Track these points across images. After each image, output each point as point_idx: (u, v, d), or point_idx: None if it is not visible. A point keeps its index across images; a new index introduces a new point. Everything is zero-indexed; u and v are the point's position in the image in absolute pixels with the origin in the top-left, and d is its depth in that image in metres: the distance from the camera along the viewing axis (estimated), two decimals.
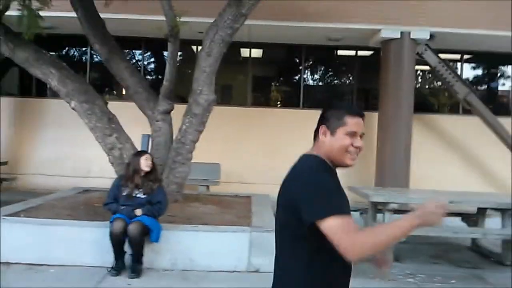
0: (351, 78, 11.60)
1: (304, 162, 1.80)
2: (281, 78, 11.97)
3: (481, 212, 6.60)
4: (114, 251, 4.78)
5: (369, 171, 9.59)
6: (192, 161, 9.42)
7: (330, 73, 11.96)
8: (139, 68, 10.83)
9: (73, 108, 6.33)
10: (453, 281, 5.04)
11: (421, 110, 11.07)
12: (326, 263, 1.69)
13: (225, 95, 11.99)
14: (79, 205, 6.18)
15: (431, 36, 9.27)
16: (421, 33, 9.17)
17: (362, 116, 1.81)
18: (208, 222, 5.48)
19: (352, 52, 10.99)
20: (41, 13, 5.73)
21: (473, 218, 6.70)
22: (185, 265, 4.95)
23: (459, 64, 11.15)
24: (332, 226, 1.58)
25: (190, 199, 6.80)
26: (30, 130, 10.81)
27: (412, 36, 9.18)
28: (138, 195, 4.94)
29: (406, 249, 6.02)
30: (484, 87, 11.91)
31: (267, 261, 5.04)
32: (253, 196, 7.75)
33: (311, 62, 11.48)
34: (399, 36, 9.17)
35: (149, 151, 6.22)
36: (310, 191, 1.67)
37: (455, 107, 10.86)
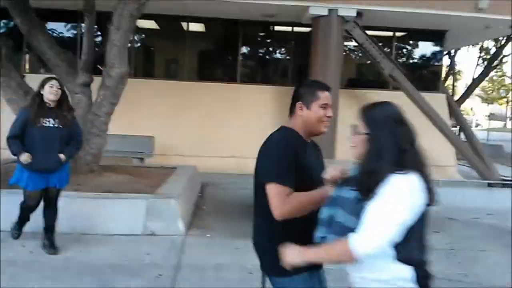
0: (287, 53, 11.91)
1: (277, 133, 2.13)
2: (219, 53, 12.15)
3: None
4: (21, 221, 4.70)
5: None
6: (127, 133, 9.72)
7: (267, 49, 12.21)
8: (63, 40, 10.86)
9: None
10: None
11: (352, 85, 11.53)
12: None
13: (164, 69, 12.20)
14: None
15: (359, 13, 9.63)
16: (348, 11, 9.53)
17: (329, 90, 2.14)
18: (112, 191, 5.78)
19: (289, 28, 11.25)
20: None
21: None
22: (84, 230, 5.25)
23: (393, 41, 11.59)
24: (269, 191, 1.97)
25: (107, 170, 7.05)
26: None
27: (339, 14, 9.52)
28: (55, 125, 4.31)
29: None
30: (416, 63, 12.37)
31: (163, 226, 5.47)
32: (178, 168, 8.04)
33: (248, 38, 11.68)
34: (327, 13, 9.50)
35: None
36: (266, 157, 2.04)
37: (385, 83, 11.28)
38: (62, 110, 4.39)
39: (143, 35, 12.04)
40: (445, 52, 15.32)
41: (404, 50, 12.17)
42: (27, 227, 4.83)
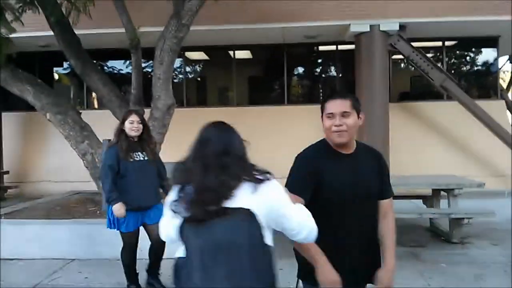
0: (333, 71, 11.93)
1: (309, 146, 2.28)
2: (266, 77, 12.35)
3: (435, 193, 6.86)
4: (129, 273, 4.39)
5: None
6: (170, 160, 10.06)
7: (312, 69, 12.29)
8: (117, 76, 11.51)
9: (48, 120, 7.02)
10: None
11: (405, 98, 11.31)
12: (324, 225, 1.97)
13: (215, 97, 12.59)
14: (56, 207, 6.87)
15: (402, 26, 9.50)
16: (390, 25, 9.43)
17: (338, 97, 2.11)
18: None
19: (333, 47, 11.29)
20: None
21: (429, 200, 6.97)
22: (138, 255, 5.50)
23: (443, 51, 11.28)
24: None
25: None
26: (35, 142, 11.68)
27: (381, 29, 9.45)
28: (145, 159, 4.16)
29: None
30: (470, 71, 11.92)
31: None
32: None
33: (293, 60, 11.83)
34: (368, 29, 9.46)
35: None
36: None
37: (440, 94, 10.95)
38: (147, 143, 4.22)
39: (194, 66, 12.53)
40: (506, 58, 14.66)
41: (456, 59, 11.78)
42: None
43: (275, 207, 1.71)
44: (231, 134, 1.86)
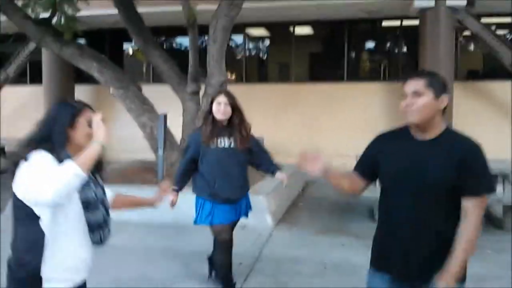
0: (396, 48, 11.55)
1: None
2: (326, 53, 12.20)
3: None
4: (225, 277, 3.84)
5: None
6: None
7: (374, 45, 11.97)
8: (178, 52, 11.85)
9: (112, 94, 7.50)
10: None
11: (473, 77, 10.77)
12: (382, 206, 2.24)
13: (274, 73, 12.67)
14: (117, 173, 7.41)
15: (470, 2, 8.97)
16: (457, 0, 8.94)
17: (413, 77, 2.04)
18: None
19: (396, 23, 10.92)
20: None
21: None
22: (184, 222, 5.86)
23: None
24: None
25: None
26: (105, 112, 12.35)
27: (448, 4, 8.97)
28: (231, 146, 3.63)
29: None
30: None
31: (254, 220, 5.82)
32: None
33: (354, 35, 11.58)
34: (433, 4, 9.03)
35: (165, 130, 7.04)
36: None
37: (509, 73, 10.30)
38: (238, 129, 3.61)
39: (255, 43, 12.66)
40: None
41: None
42: None
43: (21, 187, 1.76)
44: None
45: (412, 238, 2.05)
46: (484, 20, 9.40)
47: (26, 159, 1.76)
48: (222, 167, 3.58)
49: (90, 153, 1.75)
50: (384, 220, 2.18)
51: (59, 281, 1.82)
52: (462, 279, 2.04)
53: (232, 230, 3.79)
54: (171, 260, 4.66)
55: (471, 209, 1.96)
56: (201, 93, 7.50)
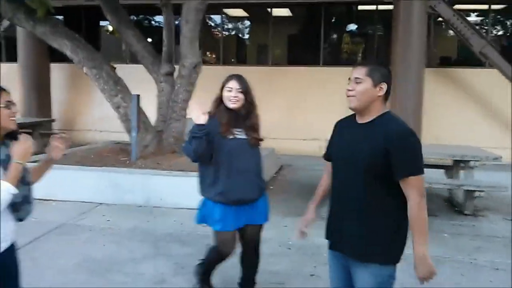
0: (371, 33, 11.69)
1: None
2: (304, 36, 12.26)
3: (456, 164, 6.82)
4: (206, 272, 3.41)
5: None
6: None
7: (350, 29, 12.07)
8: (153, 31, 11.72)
9: (85, 73, 7.46)
10: None
11: (445, 64, 10.98)
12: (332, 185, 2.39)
13: (252, 55, 12.67)
14: (91, 154, 7.42)
15: None
16: None
17: (358, 65, 2.18)
18: (184, 169, 6.41)
19: (373, 7, 11.02)
20: None
21: (449, 171, 6.96)
22: (156, 203, 5.96)
23: (489, 15, 10.76)
24: None
25: None
26: (81, 92, 12.33)
27: None
28: (246, 138, 3.08)
29: None
30: None
31: None
32: None
33: (331, 19, 11.66)
34: None
35: (138, 111, 7.06)
36: None
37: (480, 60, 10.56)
38: (249, 118, 3.10)
39: (232, 23, 12.62)
40: None
41: (502, 24, 11.19)
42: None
43: None
44: None
45: (346, 214, 2.21)
46: (459, 7, 9.56)
47: None
48: (238, 162, 3.00)
49: (14, 173, 1.98)
50: (331, 199, 2.36)
51: None
52: (391, 261, 2.18)
53: (236, 239, 3.19)
54: (140, 241, 4.76)
55: (407, 191, 2.08)
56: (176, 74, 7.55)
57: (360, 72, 2.14)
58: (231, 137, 3.00)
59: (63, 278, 3.83)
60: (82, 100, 12.37)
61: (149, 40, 11.27)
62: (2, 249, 2.07)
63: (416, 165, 2.09)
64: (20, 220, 2.12)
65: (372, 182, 2.12)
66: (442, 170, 7.22)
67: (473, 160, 6.07)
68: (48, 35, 7.27)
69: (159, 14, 11.90)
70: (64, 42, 7.29)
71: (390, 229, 2.14)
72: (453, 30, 9.64)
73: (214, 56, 12.30)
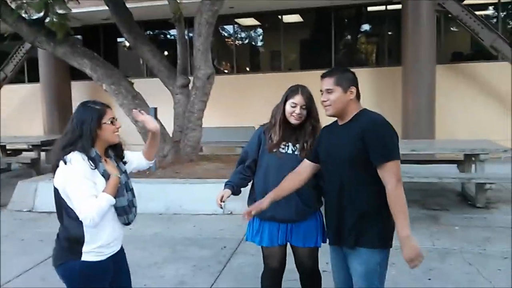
0: (381, 33, 11.79)
1: None
2: (315, 41, 12.44)
3: (467, 158, 6.90)
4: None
5: (396, 125, 9.98)
6: (229, 126, 10.70)
7: (360, 31, 12.20)
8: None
9: (105, 90, 7.82)
10: None
11: (456, 60, 11.01)
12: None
13: (265, 63, 12.91)
14: None
15: None
16: None
17: (325, 76, 2.40)
18: (202, 177, 6.68)
19: (382, 8, 11.14)
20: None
21: (461, 165, 7.03)
22: (175, 210, 6.24)
23: (498, 8, 10.75)
24: None
25: (204, 159, 8.04)
26: None
27: None
28: (294, 152, 2.82)
29: None
30: None
31: (240, 206, 6.18)
32: None
33: (341, 22, 11.83)
34: None
35: (156, 122, 7.32)
36: None
37: (492, 54, 10.55)
38: (305, 133, 2.82)
39: (245, 32, 12.91)
40: None
41: None
42: None
43: (60, 186, 2.14)
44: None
45: (338, 210, 2.40)
46: (469, 1, 9.61)
47: (64, 161, 2.11)
48: (278, 176, 2.72)
49: (113, 184, 2.18)
50: (325, 201, 2.59)
51: (96, 254, 2.21)
52: (380, 246, 2.35)
53: (285, 253, 2.97)
54: (160, 246, 5.03)
55: (385, 176, 2.24)
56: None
57: (328, 83, 2.37)
58: (274, 150, 2.82)
59: None
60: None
61: (165, 53, 11.67)
62: (116, 251, 2.32)
63: (390, 151, 2.25)
64: (127, 224, 2.32)
65: (357, 171, 2.31)
66: (455, 165, 7.32)
67: (482, 153, 6.16)
68: (68, 55, 7.67)
69: (173, 27, 12.38)
70: (84, 61, 7.67)
71: (378, 215, 2.32)
72: (462, 26, 9.68)
73: (228, 65, 12.60)
